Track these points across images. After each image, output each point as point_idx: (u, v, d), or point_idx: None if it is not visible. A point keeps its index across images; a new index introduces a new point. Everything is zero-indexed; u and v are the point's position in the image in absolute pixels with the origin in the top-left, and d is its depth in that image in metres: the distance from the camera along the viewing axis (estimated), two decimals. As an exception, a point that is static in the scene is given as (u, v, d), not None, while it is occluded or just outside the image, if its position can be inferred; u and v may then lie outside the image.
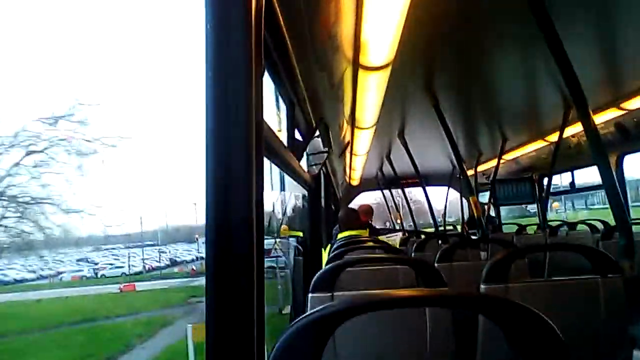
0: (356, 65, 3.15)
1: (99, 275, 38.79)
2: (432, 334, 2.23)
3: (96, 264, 43.95)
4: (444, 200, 11.86)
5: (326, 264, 3.11)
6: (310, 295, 2.40)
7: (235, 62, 1.19)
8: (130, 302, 26.01)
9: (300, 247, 4.54)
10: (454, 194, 11.71)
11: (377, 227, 8.02)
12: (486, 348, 2.20)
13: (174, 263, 42.37)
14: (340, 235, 5.10)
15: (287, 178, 3.12)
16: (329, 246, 5.14)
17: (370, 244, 4.11)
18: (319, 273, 2.46)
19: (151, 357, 18.72)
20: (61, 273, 42.67)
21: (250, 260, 1.20)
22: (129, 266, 41.13)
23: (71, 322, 22.01)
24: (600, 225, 6.38)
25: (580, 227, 7.24)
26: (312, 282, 2.42)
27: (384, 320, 2.23)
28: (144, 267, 42.25)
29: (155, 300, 26.57)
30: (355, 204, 11.66)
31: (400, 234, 7.31)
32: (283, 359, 1.05)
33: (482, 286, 2.34)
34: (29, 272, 42.01)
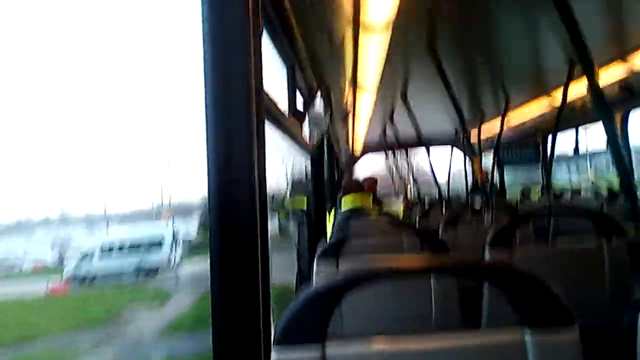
0: (357, 25, 3.11)
1: (64, 264, 35.02)
2: (437, 301, 2.26)
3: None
4: (447, 168, 11.86)
5: (331, 232, 3.11)
6: (315, 264, 2.41)
7: (233, 24, 1.16)
8: (38, 318, 19.90)
9: (304, 214, 4.53)
10: (458, 166, 11.68)
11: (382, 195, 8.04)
12: (491, 314, 2.22)
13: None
14: (344, 200, 5.11)
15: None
16: (333, 210, 5.14)
17: (375, 213, 4.13)
18: (324, 242, 2.47)
19: None
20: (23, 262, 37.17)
21: (255, 227, 1.18)
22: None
23: None
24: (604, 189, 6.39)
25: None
26: (318, 251, 2.44)
27: (389, 288, 2.25)
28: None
29: (76, 314, 20.16)
30: (360, 171, 11.71)
31: (401, 198, 7.33)
32: (290, 330, 1.07)
33: (486, 252, 2.34)
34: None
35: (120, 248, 29.71)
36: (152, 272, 28.43)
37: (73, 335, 17.83)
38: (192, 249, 32.44)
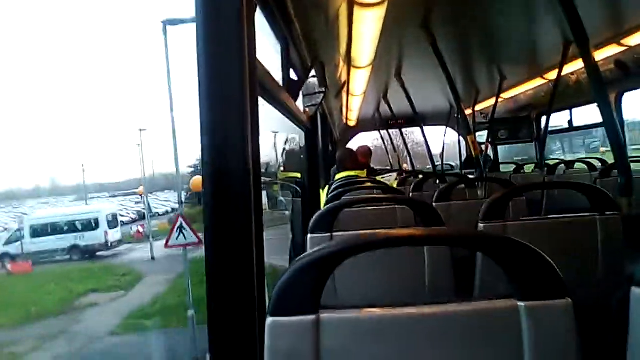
0: (351, 1, 3.08)
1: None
2: (430, 272, 2.25)
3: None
4: (442, 141, 11.84)
5: (325, 205, 3.12)
6: (309, 235, 2.41)
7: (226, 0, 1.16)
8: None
9: (298, 189, 4.55)
10: (452, 137, 11.67)
11: (376, 168, 8.03)
12: (484, 285, 2.23)
13: (142, 217, 36.94)
14: (338, 176, 5.12)
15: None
16: (327, 187, 5.16)
17: (369, 184, 4.13)
18: (317, 214, 2.46)
19: None
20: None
21: (248, 199, 1.20)
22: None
23: None
24: (598, 164, 6.41)
25: (578, 165, 7.27)
26: (311, 223, 2.43)
27: (383, 260, 2.25)
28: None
29: (28, 299, 17.61)
30: (354, 145, 11.68)
31: (395, 174, 7.33)
32: (284, 299, 1.07)
33: (480, 224, 2.35)
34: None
35: (54, 227, 28.27)
36: (87, 252, 27.36)
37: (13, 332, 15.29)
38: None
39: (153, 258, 24.90)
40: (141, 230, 31.58)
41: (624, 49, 5.10)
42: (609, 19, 4.68)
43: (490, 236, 1.14)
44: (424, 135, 9.35)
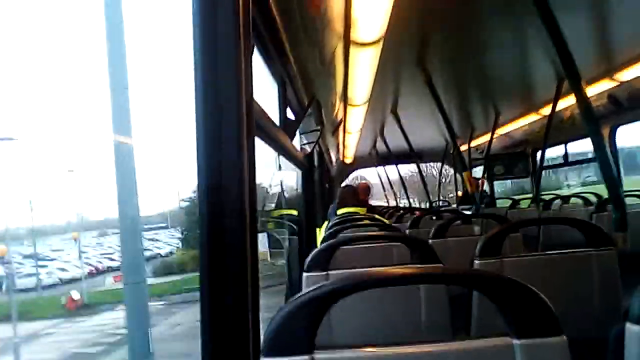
0: (347, 41, 3.12)
1: (3, 289, 29.98)
2: (426, 310, 2.24)
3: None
4: (437, 179, 11.94)
5: (321, 243, 3.11)
6: (305, 274, 2.40)
7: (224, 40, 1.17)
8: None
9: (294, 226, 4.54)
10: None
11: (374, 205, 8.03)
12: (480, 322, 2.22)
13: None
14: (339, 212, 5.13)
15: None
16: (324, 224, 5.15)
17: (366, 221, 4.12)
18: (313, 252, 2.45)
19: None
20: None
21: (244, 239, 1.19)
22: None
23: None
24: (594, 199, 6.42)
25: (573, 200, 7.28)
26: (307, 261, 2.42)
27: (378, 297, 2.24)
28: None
29: None
30: (352, 181, 11.74)
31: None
32: (278, 338, 1.07)
33: (476, 261, 2.35)
34: None
35: None
36: None
37: None
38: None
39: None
40: (76, 297, 25.77)
41: (616, 83, 5.16)
42: (601, 54, 4.75)
43: (484, 274, 1.14)
44: (420, 171, 9.40)
